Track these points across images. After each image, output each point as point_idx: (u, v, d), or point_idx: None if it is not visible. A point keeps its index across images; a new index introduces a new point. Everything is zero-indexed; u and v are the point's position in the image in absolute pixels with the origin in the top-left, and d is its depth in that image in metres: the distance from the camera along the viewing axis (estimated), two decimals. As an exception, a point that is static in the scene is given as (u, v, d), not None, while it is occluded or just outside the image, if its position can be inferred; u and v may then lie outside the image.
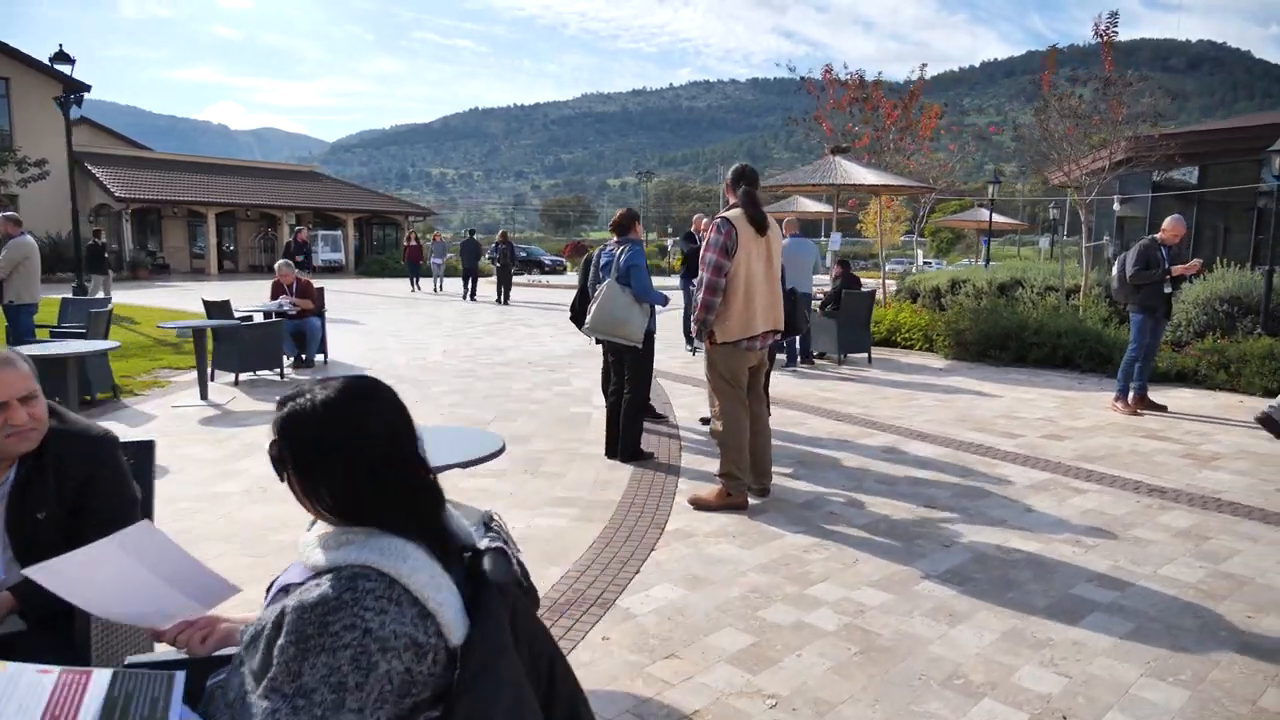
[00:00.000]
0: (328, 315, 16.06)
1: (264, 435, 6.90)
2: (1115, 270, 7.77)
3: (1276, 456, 6.00)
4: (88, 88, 31.78)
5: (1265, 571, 3.87)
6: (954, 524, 4.53)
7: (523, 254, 43.72)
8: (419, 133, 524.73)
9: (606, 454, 5.96)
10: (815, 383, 9.11)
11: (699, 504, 4.83)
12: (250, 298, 13.38)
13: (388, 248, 39.44)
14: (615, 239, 5.95)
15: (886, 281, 15.63)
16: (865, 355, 10.62)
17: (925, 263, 45.97)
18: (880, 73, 14.38)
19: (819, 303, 10.82)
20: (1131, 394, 7.56)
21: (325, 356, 10.68)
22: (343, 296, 22.31)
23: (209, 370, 9.31)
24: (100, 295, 15.89)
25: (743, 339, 4.73)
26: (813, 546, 4.20)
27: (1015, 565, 3.95)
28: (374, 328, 14.83)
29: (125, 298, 20.01)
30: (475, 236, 24.30)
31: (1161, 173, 15.16)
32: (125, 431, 6.79)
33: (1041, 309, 10.82)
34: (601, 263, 5.93)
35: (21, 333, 8.31)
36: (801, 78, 14.88)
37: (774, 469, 5.61)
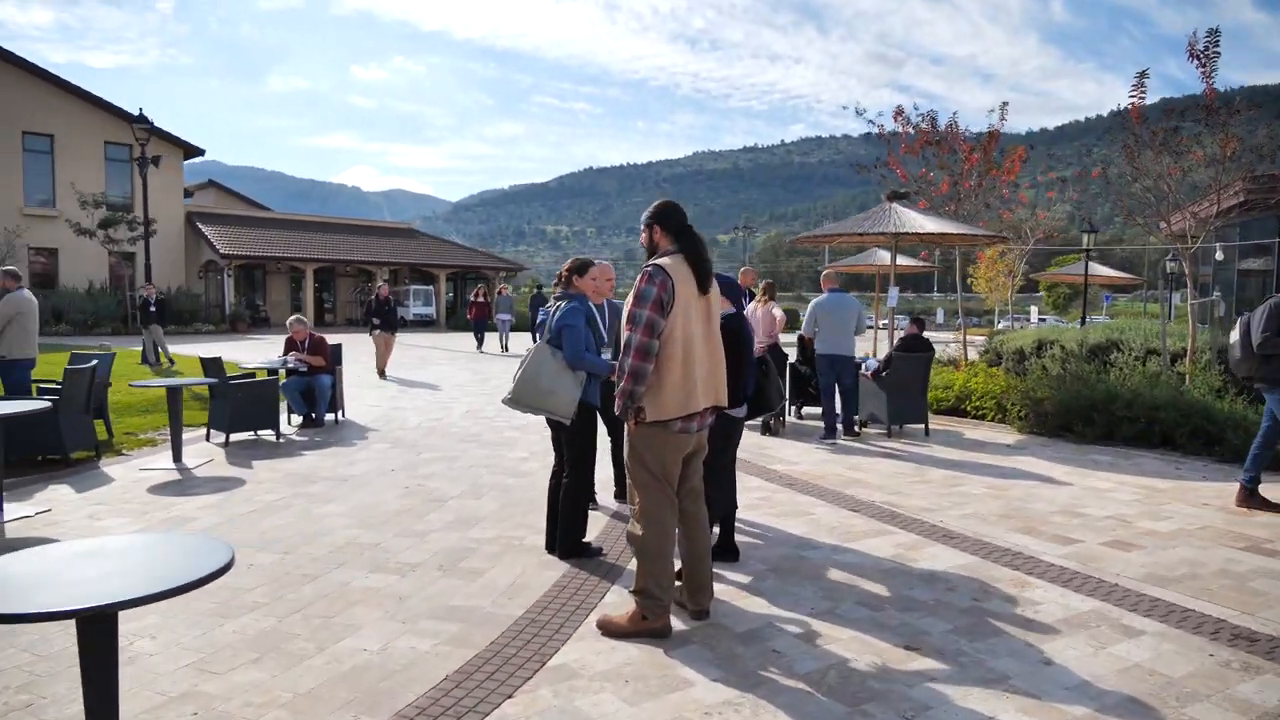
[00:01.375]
0: (387, 373, 15.85)
1: (198, 508, 6.34)
2: (1236, 336, 6.13)
3: None
4: (201, 152, 33.84)
5: (1389, 801, 2.53)
6: (933, 679, 3.33)
7: (618, 302, 43.68)
8: (535, 192, 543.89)
9: (547, 547, 5.01)
10: (848, 459, 7.88)
11: (608, 628, 3.80)
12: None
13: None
14: (556, 294, 5.09)
15: (967, 341, 14.13)
16: (922, 426, 9.27)
17: (1040, 319, 43.10)
18: (955, 113, 13.10)
19: (875, 364, 9.61)
20: (1238, 488, 6.04)
21: (338, 416, 10.16)
22: (414, 351, 22.28)
23: (205, 430, 8.98)
24: (154, 347, 16.12)
25: (676, 418, 3.71)
26: (721, 706, 3.10)
27: (994, 761, 2.74)
28: (415, 384, 14.40)
29: (201, 349, 20.49)
30: (544, 290, 24.21)
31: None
32: (58, 497, 6.29)
33: (1138, 376, 9.22)
34: (537, 321, 5.06)
35: (13, 388, 8.09)
36: (870, 121, 13.77)
37: (737, 574, 4.54)
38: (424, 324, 35.90)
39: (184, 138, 32.91)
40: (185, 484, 6.84)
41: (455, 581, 4.50)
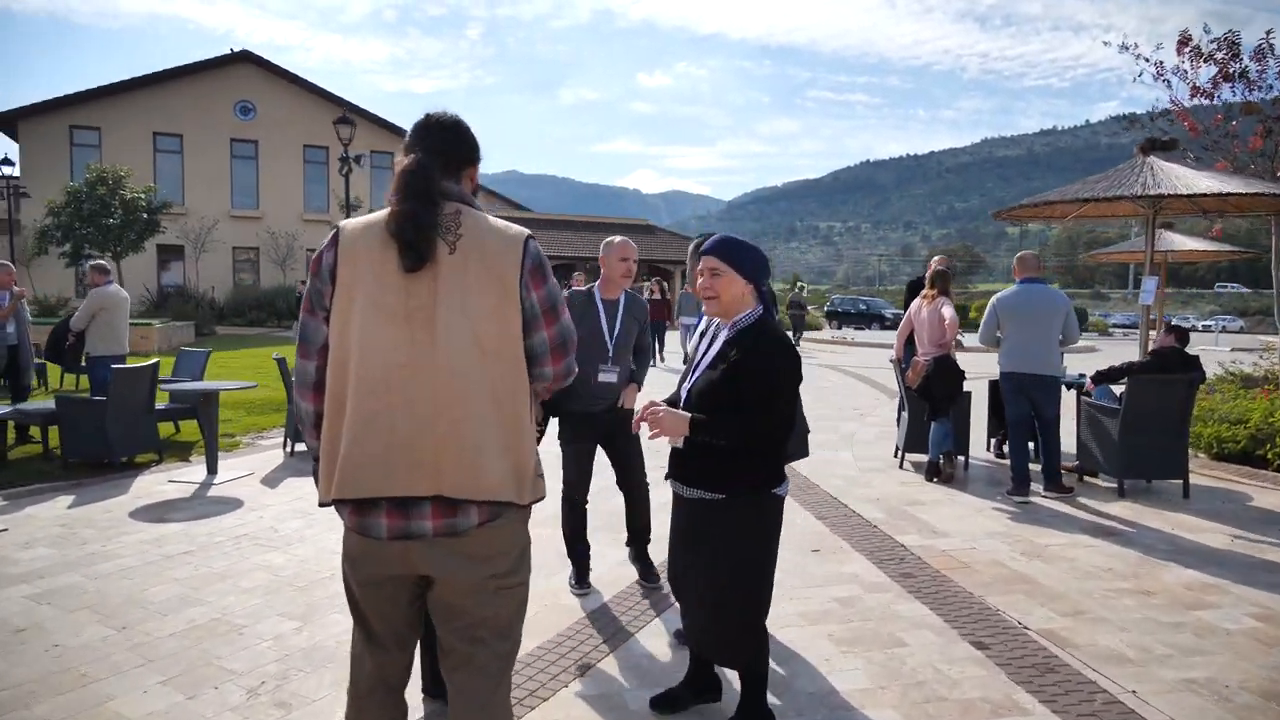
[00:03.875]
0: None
1: (137, 544, 5.18)
2: None
3: None
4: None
5: None
6: None
7: (862, 306, 40.66)
8: (809, 188, 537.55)
9: (423, 688, 3.24)
10: (1030, 533, 5.23)
11: None
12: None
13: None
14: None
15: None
16: (1179, 484, 6.23)
17: None
18: (1269, 32, 9.24)
19: (1083, 385, 6.72)
20: None
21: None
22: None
23: (284, 439, 8.25)
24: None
25: (338, 505, 1.91)
26: None
27: None
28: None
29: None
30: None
31: None
32: (42, 513, 5.58)
33: None
34: None
35: (98, 387, 7.81)
36: (1143, 58, 10.22)
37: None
38: (658, 321, 35.30)
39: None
40: (179, 505, 5.92)
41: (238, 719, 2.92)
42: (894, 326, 37.74)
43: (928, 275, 6.75)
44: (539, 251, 2.01)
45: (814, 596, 4.12)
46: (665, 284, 17.14)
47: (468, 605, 1.94)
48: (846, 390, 12.88)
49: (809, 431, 3.31)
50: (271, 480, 6.71)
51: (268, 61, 32.29)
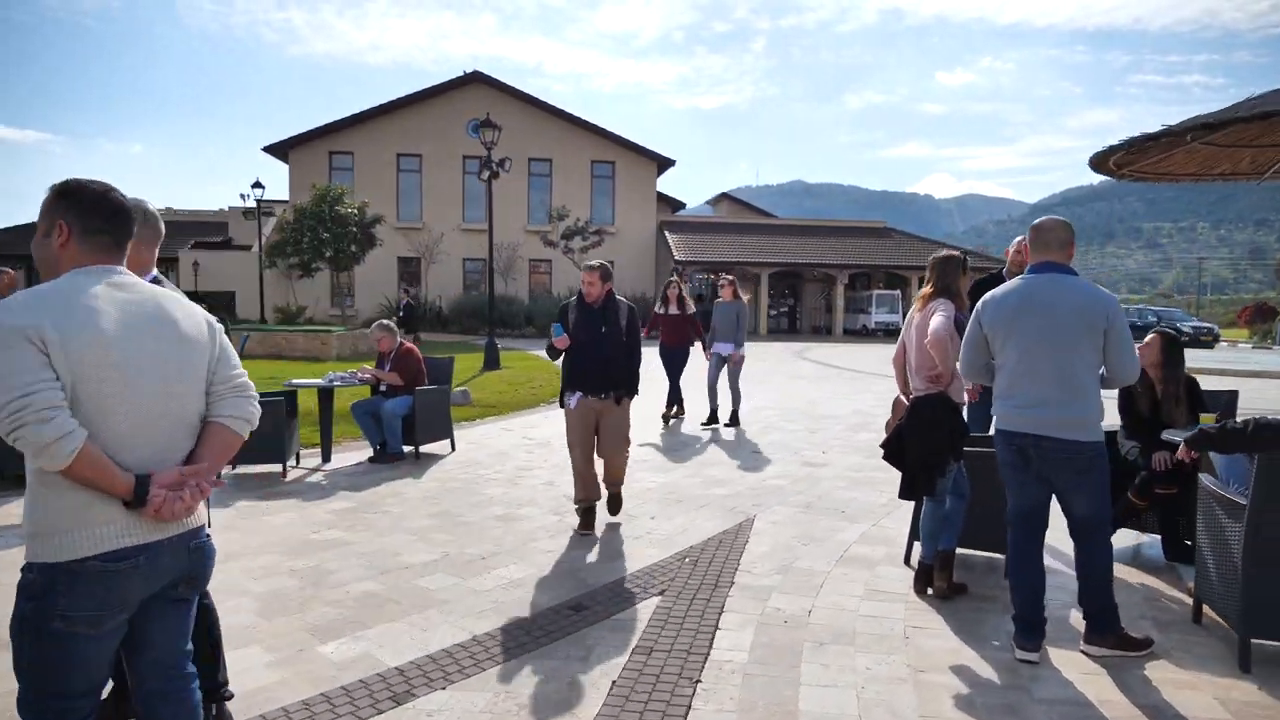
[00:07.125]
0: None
1: None
2: None
3: None
4: (672, 163, 34.92)
5: None
6: None
7: (1151, 318, 33.99)
8: (1131, 185, 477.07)
9: None
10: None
11: None
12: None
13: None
14: None
15: None
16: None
17: None
18: None
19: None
20: None
21: (418, 450, 7.73)
22: (829, 370, 19.00)
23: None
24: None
25: None
26: None
27: None
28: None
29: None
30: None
31: None
32: None
33: None
34: None
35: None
36: None
37: None
38: (890, 333, 31.80)
39: (657, 150, 34.42)
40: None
41: None
42: (1194, 343, 30.28)
43: (930, 265, 4.21)
44: None
45: None
46: (684, 287, 10.30)
47: None
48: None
49: None
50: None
51: (498, 81, 33.66)
